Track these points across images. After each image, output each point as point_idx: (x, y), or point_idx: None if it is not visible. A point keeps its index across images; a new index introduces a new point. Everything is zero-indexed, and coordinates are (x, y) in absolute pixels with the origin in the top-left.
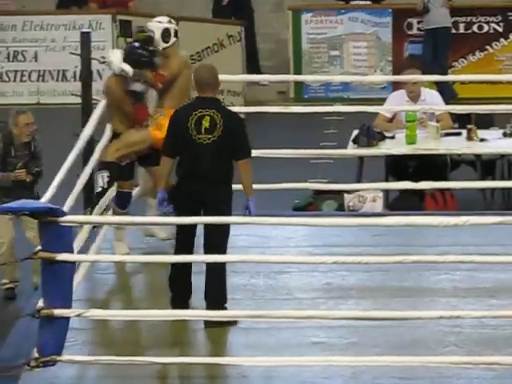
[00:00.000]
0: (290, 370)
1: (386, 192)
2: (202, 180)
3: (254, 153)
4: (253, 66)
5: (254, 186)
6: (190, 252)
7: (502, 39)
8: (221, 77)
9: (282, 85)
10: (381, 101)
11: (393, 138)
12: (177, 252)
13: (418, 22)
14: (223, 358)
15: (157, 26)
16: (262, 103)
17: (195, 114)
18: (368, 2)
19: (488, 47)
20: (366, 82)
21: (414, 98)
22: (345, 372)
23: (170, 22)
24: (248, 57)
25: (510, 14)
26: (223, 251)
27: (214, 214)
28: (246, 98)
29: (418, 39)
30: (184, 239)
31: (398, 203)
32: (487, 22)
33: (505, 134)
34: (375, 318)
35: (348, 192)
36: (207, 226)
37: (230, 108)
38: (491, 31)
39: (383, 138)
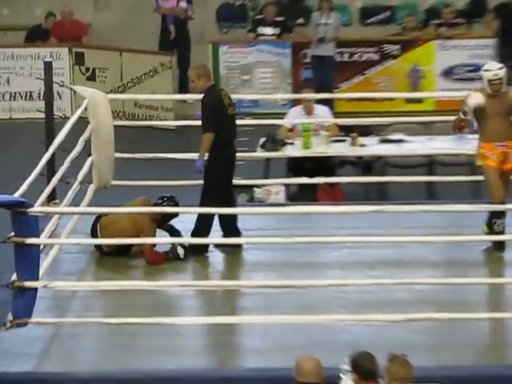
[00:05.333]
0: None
1: (287, 187)
2: (233, 143)
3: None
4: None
5: (184, 183)
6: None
7: (377, 65)
8: (155, 96)
9: None
10: (282, 115)
11: (292, 144)
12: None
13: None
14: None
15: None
16: (189, 117)
17: (221, 94)
18: (272, 37)
19: (367, 72)
20: (270, 100)
21: (309, 112)
22: (257, 329)
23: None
24: (184, 79)
25: (383, 46)
26: None
27: None
28: (177, 113)
29: (311, 66)
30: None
31: (296, 196)
32: (366, 52)
33: (380, 141)
34: (280, 286)
35: (257, 186)
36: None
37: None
38: (369, 59)
39: (285, 144)
